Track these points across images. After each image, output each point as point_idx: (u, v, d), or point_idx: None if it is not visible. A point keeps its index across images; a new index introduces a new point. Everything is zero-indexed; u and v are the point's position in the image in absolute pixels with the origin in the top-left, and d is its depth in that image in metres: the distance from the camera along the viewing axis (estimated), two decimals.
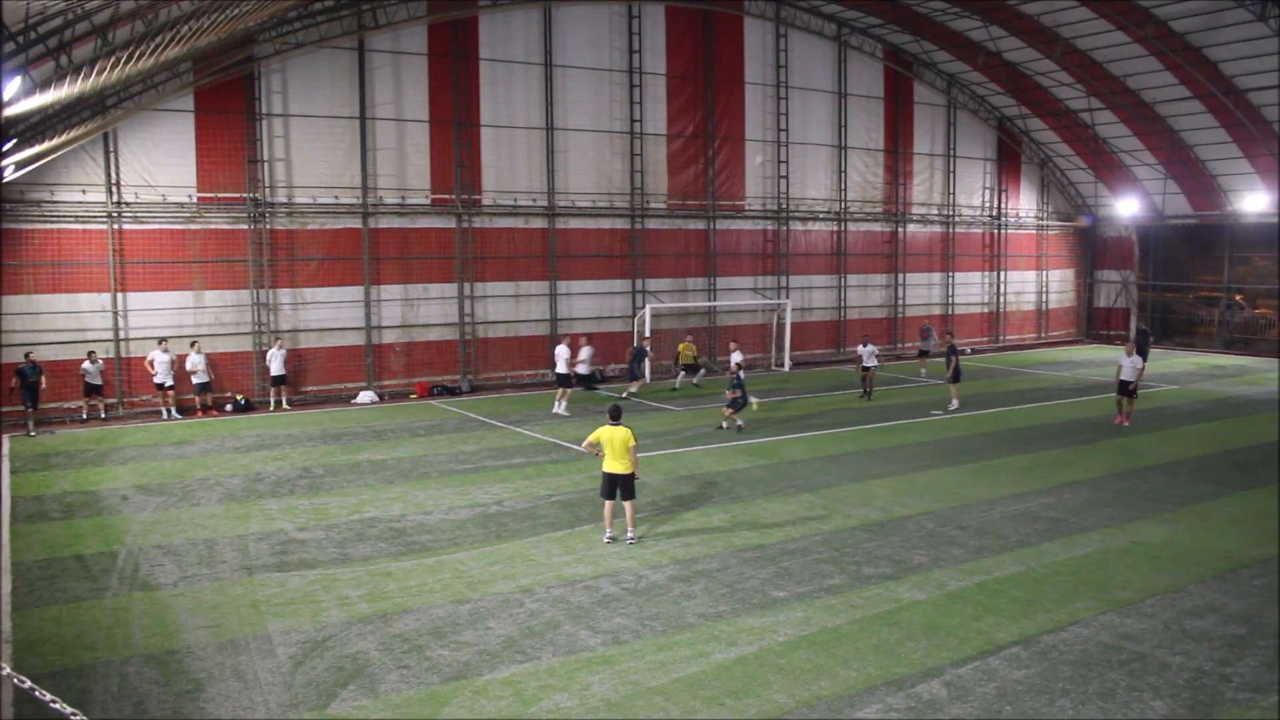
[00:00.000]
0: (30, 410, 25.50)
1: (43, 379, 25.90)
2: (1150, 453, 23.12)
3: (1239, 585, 14.05)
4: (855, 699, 10.55)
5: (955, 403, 29.65)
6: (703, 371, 34.76)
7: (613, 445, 15.93)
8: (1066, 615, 12.89)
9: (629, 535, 16.07)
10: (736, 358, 27.66)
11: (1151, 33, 35.89)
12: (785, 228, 40.20)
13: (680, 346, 34.87)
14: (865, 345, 31.69)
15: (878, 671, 11.20)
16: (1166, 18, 35.20)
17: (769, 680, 11.00)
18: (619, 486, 16.07)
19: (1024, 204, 48.75)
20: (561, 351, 29.15)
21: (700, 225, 38.05)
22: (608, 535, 16.07)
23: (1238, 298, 46.21)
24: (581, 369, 29.80)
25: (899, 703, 10.46)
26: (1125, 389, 26.85)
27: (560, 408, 28.16)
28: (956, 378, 29.75)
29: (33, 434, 25.28)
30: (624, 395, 31.21)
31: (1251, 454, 23.04)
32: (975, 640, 12.07)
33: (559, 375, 29.07)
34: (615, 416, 16.23)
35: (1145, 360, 34.08)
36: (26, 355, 25.84)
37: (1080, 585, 14.03)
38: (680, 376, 34.21)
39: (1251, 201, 42.47)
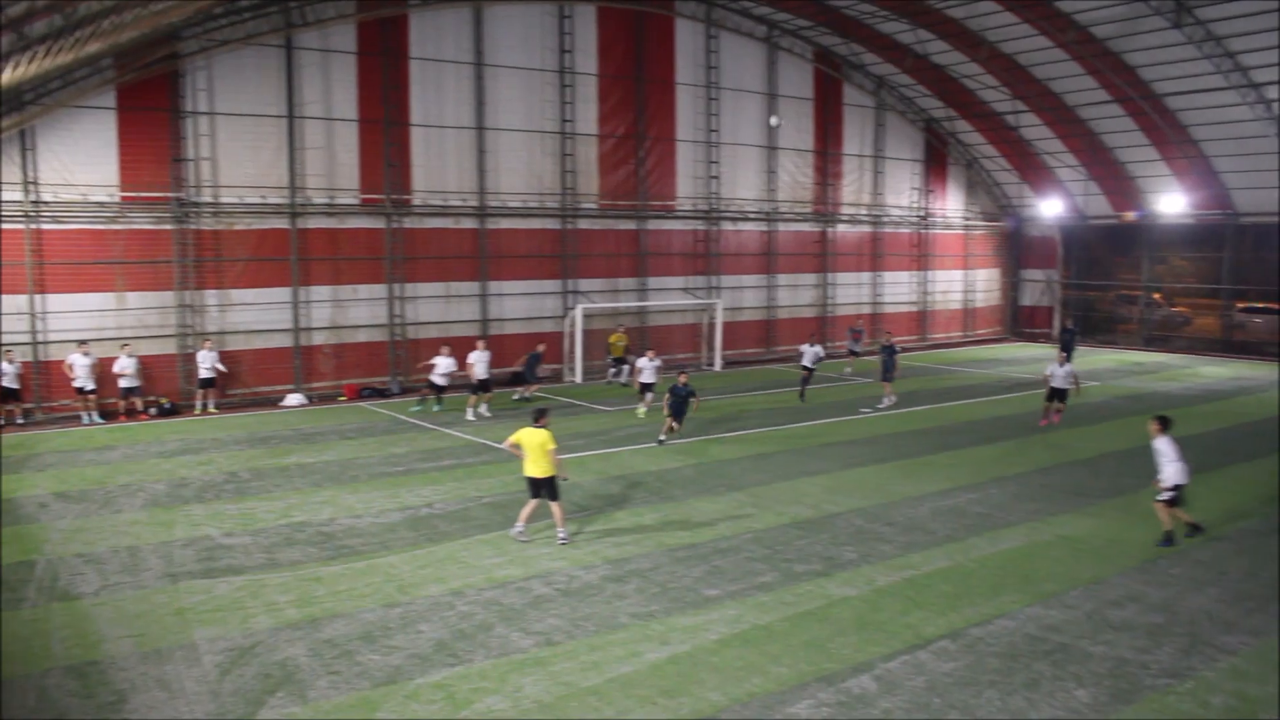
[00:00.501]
0: None
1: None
2: (1074, 448, 23.61)
3: (1158, 575, 14.42)
4: (787, 695, 10.64)
5: (889, 399, 30.00)
6: (627, 369, 34.72)
7: (530, 448, 15.88)
8: (993, 608, 13.12)
9: (560, 535, 16.00)
10: (643, 362, 28.17)
11: (1073, 38, 36.67)
12: (716, 228, 40.39)
13: (612, 338, 34.94)
14: (812, 345, 31.63)
15: (809, 667, 11.31)
16: (1087, 23, 35.98)
17: (702, 678, 11.05)
18: (541, 489, 16.03)
19: (950, 204, 49.51)
20: (443, 363, 28.53)
21: (631, 225, 38.09)
22: (516, 529, 16.18)
23: (1156, 296, 47.39)
24: (438, 379, 28.60)
25: (830, 698, 10.57)
26: (1057, 395, 26.50)
27: (471, 414, 27.86)
28: (889, 375, 30.16)
29: None
30: (514, 398, 30.96)
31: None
32: (904, 634, 12.24)
33: (480, 381, 28.39)
34: (536, 418, 16.10)
35: (1071, 358, 34.89)
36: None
37: (1006, 579, 14.29)
38: (611, 371, 34.39)
39: (1168, 202, 43.60)
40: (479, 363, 27.98)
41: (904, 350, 44.77)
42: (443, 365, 28.48)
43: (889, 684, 10.90)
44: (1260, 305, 43.82)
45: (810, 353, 31.20)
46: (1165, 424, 16.15)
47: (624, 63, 37.18)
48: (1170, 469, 15.74)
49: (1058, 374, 26.53)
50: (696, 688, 10.83)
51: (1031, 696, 10.60)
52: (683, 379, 24.31)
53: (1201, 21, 33.81)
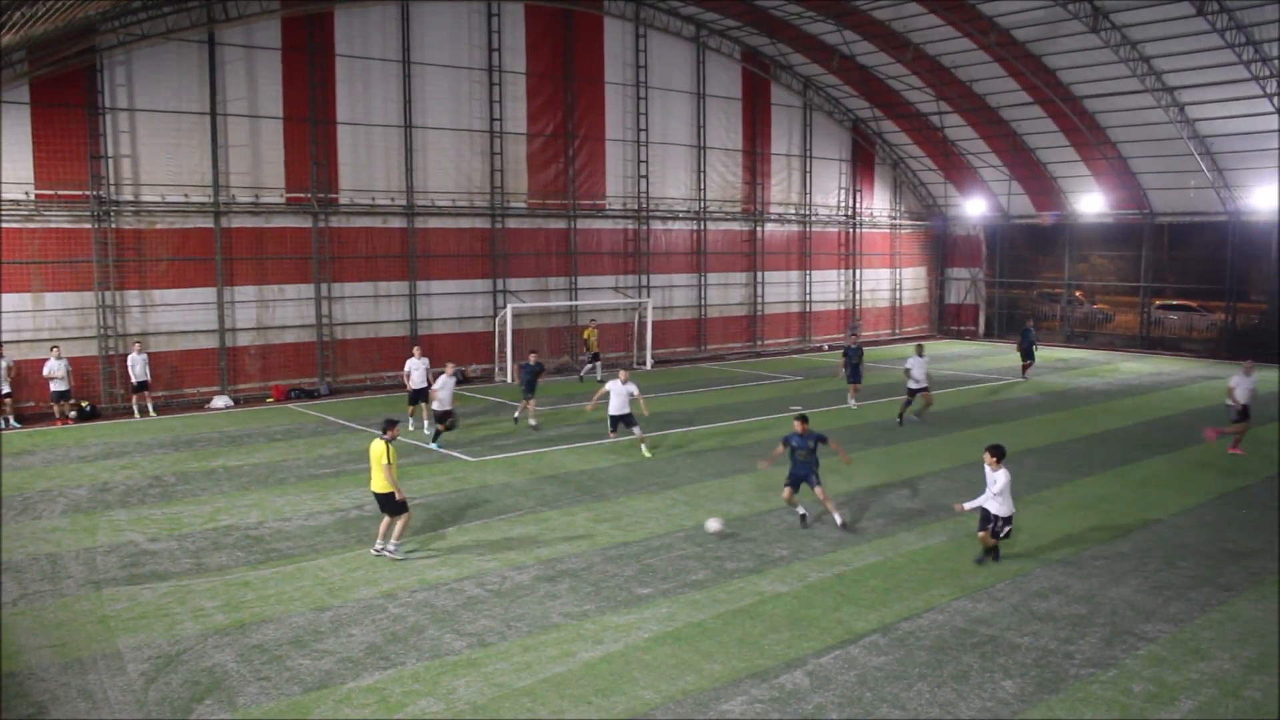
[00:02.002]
0: None
1: None
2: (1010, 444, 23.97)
3: (1080, 568, 14.74)
4: (720, 692, 10.70)
5: (854, 401, 29.72)
6: (599, 365, 34.83)
7: (370, 461, 15.34)
8: (922, 602, 13.32)
9: (383, 547, 15.26)
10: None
11: (995, 40, 37.36)
12: (646, 227, 40.48)
13: (585, 333, 34.99)
14: (920, 355, 27.48)
15: (742, 664, 11.38)
16: (1009, 26, 36.69)
17: (635, 677, 11.07)
18: (382, 505, 15.24)
19: (878, 204, 50.14)
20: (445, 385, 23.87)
21: (561, 224, 38.02)
22: (375, 546, 15.36)
23: (1078, 294, 48.45)
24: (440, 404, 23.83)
25: (763, 694, 10.65)
26: (912, 395, 26.85)
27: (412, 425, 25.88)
28: (857, 377, 29.84)
29: None
30: (515, 417, 27.08)
31: (1092, 443, 24.18)
32: (836, 630, 12.37)
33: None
34: (385, 428, 15.34)
35: (1032, 359, 35.79)
36: None
37: (935, 573, 14.52)
38: (586, 368, 34.49)
39: (1088, 202, 44.72)
40: (416, 370, 25.54)
41: (831, 348, 45.33)
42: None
43: (821, 679, 11.01)
44: (1176, 303, 45.08)
45: (920, 368, 27.01)
46: (1002, 455, 14.70)
47: (553, 61, 37.10)
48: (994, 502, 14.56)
49: (914, 367, 26.81)
50: (630, 686, 10.84)
51: (960, 688, 10.78)
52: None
53: (1118, 26, 34.64)
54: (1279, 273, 40.14)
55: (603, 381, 31.00)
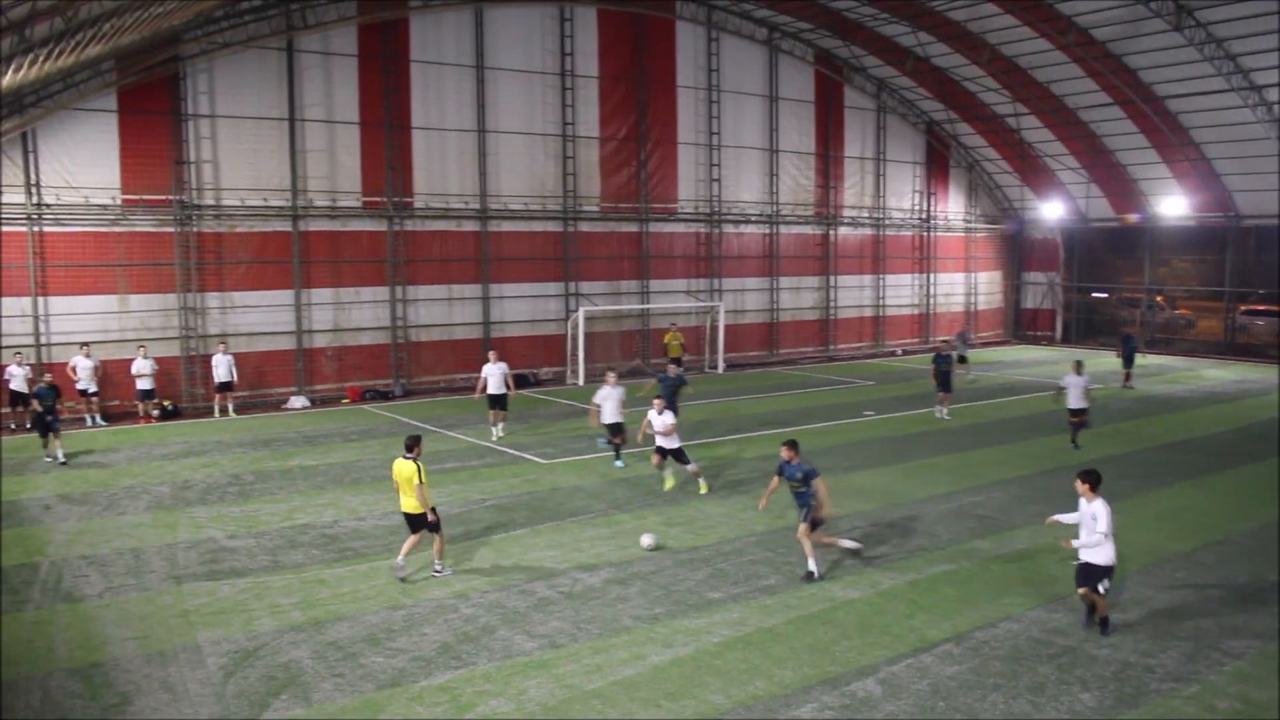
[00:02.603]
0: (53, 438, 22.52)
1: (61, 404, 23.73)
2: (1076, 451, 23.56)
3: (1162, 579, 14.39)
4: (791, 698, 10.63)
5: (943, 410, 28.39)
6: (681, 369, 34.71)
7: (399, 481, 14.42)
8: (997, 611, 13.10)
9: (435, 567, 14.63)
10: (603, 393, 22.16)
11: (1074, 40, 36.66)
12: (718, 230, 40.40)
13: (666, 338, 34.99)
14: (1079, 374, 24.19)
15: (812, 670, 11.29)
16: (1088, 25, 35.98)
17: (705, 681, 11.03)
18: (416, 525, 14.45)
19: (952, 207, 49.50)
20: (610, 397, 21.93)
21: (633, 228, 38.10)
22: (398, 560, 14.47)
23: (1159, 299, 47.37)
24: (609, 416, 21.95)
25: (834, 701, 10.55)
26: (1075, 416, 23.81)
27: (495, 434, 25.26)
28: (948, 385, 28.23)
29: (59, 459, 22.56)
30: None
31: (1173, 451, 23.60)
32: (908, 638, 12.22)
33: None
34: (409, 447, 14.41)
35: (1131, 365, 34.66)
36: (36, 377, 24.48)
37: (1010, 581, 14.27)
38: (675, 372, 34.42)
39: (1170, 205, 43.60)
40: (493, 375, 24.80)
41: (905, 353, 44.91)
42: (609, 402, 21.79)
43: (893, 687, 10.88)
44: (1262, 308, 43.82)
45: (1078, 387, 23.93)
46: (1096, 481, 12.49)
47: (625, 65, 37.21)
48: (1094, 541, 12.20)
49: (1071, 388, 23.78)
50: (700, 690, 10.81)
51: (1036, 700, 10.58)
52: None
53: (1202, 24, 33.80)
54: None
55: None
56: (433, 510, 14.32)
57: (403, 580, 14.27)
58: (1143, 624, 12.69)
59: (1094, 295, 49.17)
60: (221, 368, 28.42)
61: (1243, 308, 44.23)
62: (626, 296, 38.12)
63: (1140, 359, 38.82)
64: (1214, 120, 38.62)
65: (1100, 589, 12.17)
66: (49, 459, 22.36)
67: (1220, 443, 24.75)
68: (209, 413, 28.86)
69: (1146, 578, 14.45)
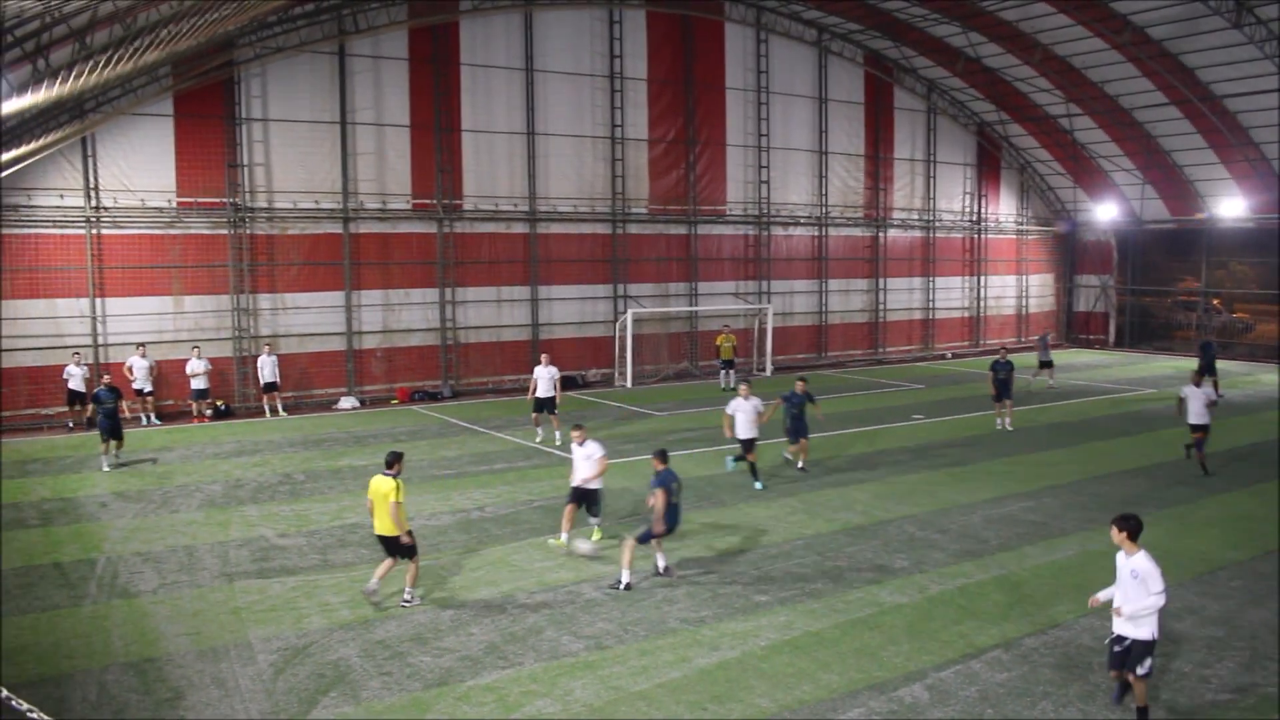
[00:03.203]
0: (115, 444, 22.18)
1: (123, 403, 23.63)
2: (1129, 456, 23.24)
3: (1216, 587, 14.14)
4: (837, 702, 10.57)
5: (1005, 422, 26.86)
6: (734, 371, 34.79)
7: (375, 500, 13.39)
8: (1047, 618, 12.94)
9: (405, 595, 13.49)
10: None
11: (1129, 39, 36.13)
12: (766, 232, 40.28)
13: (718, 339, 35.02)
14: (1202, 386, 21.95)
15: (859, 675, 11.22)
16: (1144, 24, 35.43)
17: (751, 684, 11.01)
18: (391, 550, 13.44)
19: (1004, 209, 48.97)
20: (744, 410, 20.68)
21: (682, 230, 38.08)
22: (370, 585, 13.43)
23: (1215, 302, 46.55)
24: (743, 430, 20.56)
25: (881, 706, 10.48)
26: (1196, 432, 21.37)
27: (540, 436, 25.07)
28: (1006, 393, 26.73)
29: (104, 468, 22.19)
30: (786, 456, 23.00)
31: (1227, 458, 23.16)
32: (957, 644, 12.11)
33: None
34: (389, 463, 13.52)
35: (1213, 375, 32.29)
36: (98, 380, 23.83)
37: (1060, 588, 14.09)
38: (724, 374, 34.59)
39: (1228, 206, 42.80)
40: (543, 379, 24.46)
41: (955, 356, 44.45)
42: (743, 415, 20.42)
43: (941, 693, 10.79)
44: None
45: (1199, 399, 21.43)
46: (1136, 530, 10.07)
47: (673, 67, 37.21)
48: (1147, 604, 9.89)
49: (1192, 402, 21.45)
50: (746, 694, 10.79)
51: (1087, 709, 10.44)
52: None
53: (1263, 20, 33.16)
54: None
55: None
56: (408, 533, 13.31)
57: (376, 605, 13.30)
58: (1197, 633, 12.48)
59: (1148, 298, 48.39)
60: (266, 369, 28.84)
61: None
62: (675, 299, 38.10)
63: (1193, 363, 38.15)
64: (1274, 120, 37.84)
65: (1140, 670, 9.84)
66: (108, 465, 22.02)
67: (1275, 450, 24.25)
68: (261, 413, 29.24)
69: (1199, 585, 14.21)
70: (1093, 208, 48.24)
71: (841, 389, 34.65)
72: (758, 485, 20.20)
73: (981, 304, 48.56)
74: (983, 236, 48.09)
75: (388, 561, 13.49)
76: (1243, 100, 37.72)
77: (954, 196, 46.76)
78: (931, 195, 45.67)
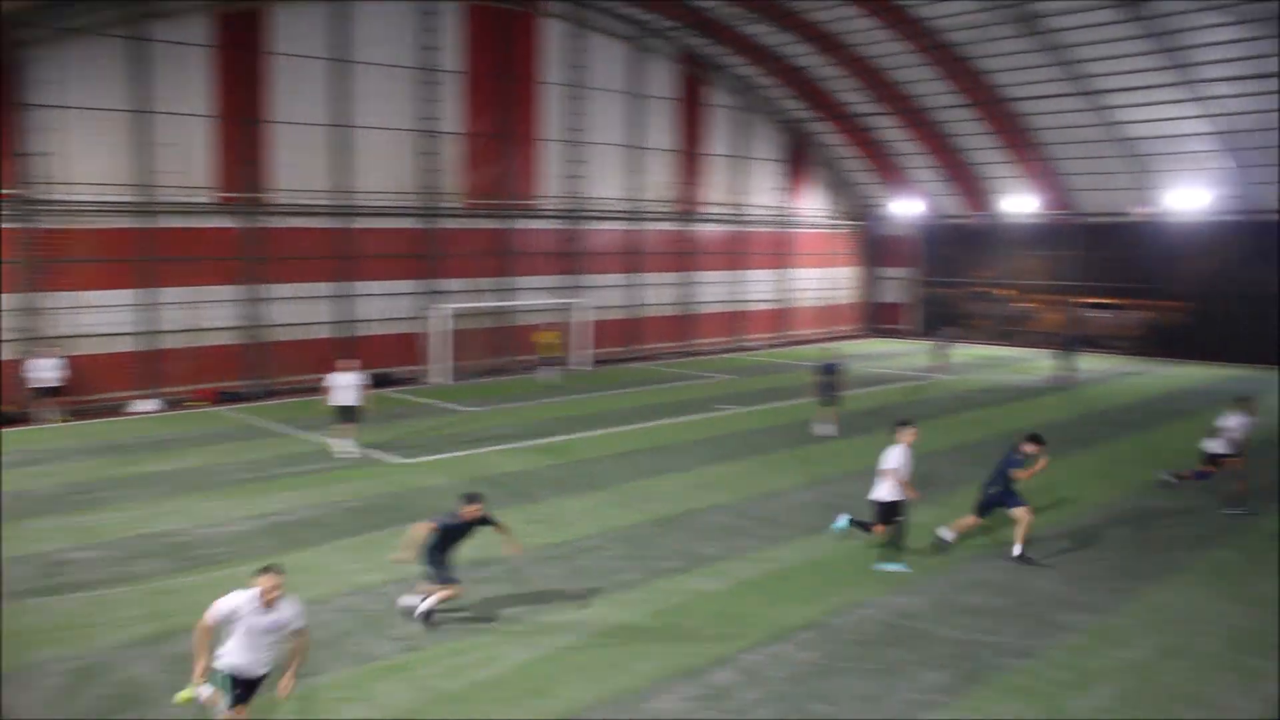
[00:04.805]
0: None
1: None
2: (933, 439, 24.23)
3: (1002, 560, 14.98)
4: (650, 690, 10.73)
5: (825, 426, 25.45)
6: (556, 368, 34.63)
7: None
8: (850, 598, 13.46)
9: None
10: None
11: (929, 43, 37.90)
12: (581, 227, 40.40)
13: (541, 335, 34.84)
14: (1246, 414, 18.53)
15: (672, 663, 11.41)
16: (941, 29, 37.19)
17: (566, 678, 11.05)
18: None
19: (812, 204, 50.52)
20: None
21: (496, 225, 37.80)
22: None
23: (1007, 292, 49.10)
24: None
25: (693, 691, 10.69)
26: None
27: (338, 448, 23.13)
28: (831, 396, 25.51)
29: None
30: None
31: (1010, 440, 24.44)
32: (766, 627, 12.45)
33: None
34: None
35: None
36: None
37: (864, 569, 14.65)
38: (543, 370, 34.55)
39: (1019, 203, 45.58)
40: (343, 384, 22.94)
41: (759, 347, 45.59)
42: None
43: (751, 675, 11.07)
44: (1101, 301, 45.89)
45: (1243, 428, 18.40)
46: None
47: (490, 61, 36.87)
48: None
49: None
50: (561, 688, 10.82)
51: (888, 681, 10.92)
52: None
53: (1050, 31, 35.32)
54: (1204, 272, 41.25)
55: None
56: None
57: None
58: (985, 604, 13.20)
59: (946, 289, 50.75)
60: (43, 372, 26.98)
61: (1083, 300, 46.15)
62: (490, 294, 37.76)
63: (989, 351, 40.16)
64: (1059, 122, 40.41)
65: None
66: None
67: (1061, 429, 25.76)
68: (50, 420, 27.50)
69: (988, 559, 15.04)
70: (896, 203, 50.34)
71: (652, 381, 35.04)
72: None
73: (790, 296, 49.95)
74: (791, 231, 49.48)
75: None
76: (1032, 104, 40.11)
77: (764, 191, 47.94)
78: (742, 190, 46.69)
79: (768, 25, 39.59)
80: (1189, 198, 40.04)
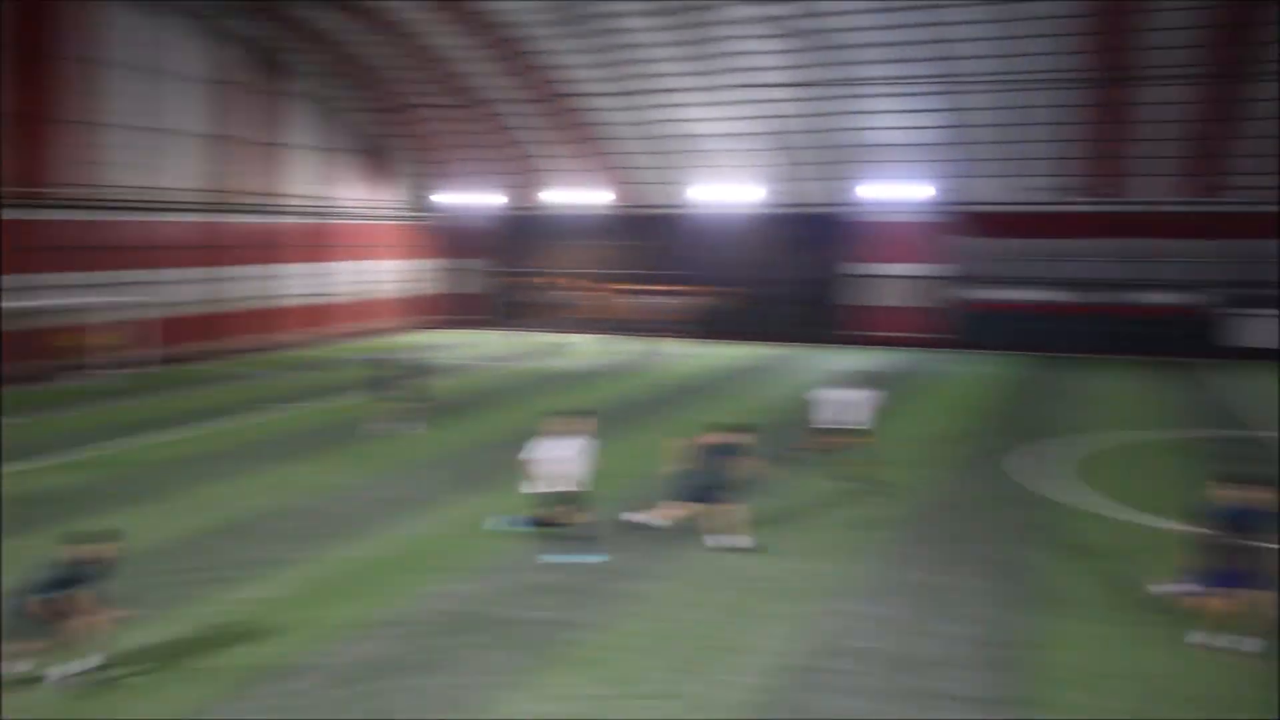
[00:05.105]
0: None
1: None
2: (482, 431, 24.41)
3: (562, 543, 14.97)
4: (225, 704, 9.86)
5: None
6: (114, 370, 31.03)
7: None
8: (415, 589, 13.21)
9: None
10: None
11: (495, 36, 38.66)
12: (118, 218, 36.43)
13: (91, 338, 30.98)
14: None
15: (248, 675, 10.57)
16: (508, 23, 37.97)
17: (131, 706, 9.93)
18: None
19: (376, 195, 49.88)
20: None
21: (31, 216, 33.10)
22: None
23: (563, 280, 50.84)
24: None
25: (276, 702, 9.94)
26: None
27: None
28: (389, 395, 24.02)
29: None
30: None
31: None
32: (350, 627, 11.93)
33: None
34: None
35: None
36: None
37: (422, 562, 14.48)
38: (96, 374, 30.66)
39: (588, 196, 48.10)
40: None
41: (325, 341, 44.11)
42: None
43: (329, 674, 10.58)
44: (652, 287, 48.76)
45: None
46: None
47: (38, 37, 32.93)
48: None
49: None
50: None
51: (460, 673, 10.76)
52: None
53: (617, 30, 37.09)
54: (757, 260, 45.62)
55: None
56: None
57: None
58: (562, 584, 13.46)
59: (516, 279, 51.73)
60: None
61: (633, 286, 48.82)
62: (15, 292, 32.45)
63: (544, 338, 41.77)
64: (625, 119, 42.93)
65: None
66: None
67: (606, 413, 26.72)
68: None
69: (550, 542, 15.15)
70: (463, 195, 50.83)
71: (223, 380, 32.78)
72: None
73: (372, 290, 49.24)
74: (355, 222, 48.56)
75: None
76: (598, 100, 42.14)
77: (338, 183, 46.80)
78: (302, 181, 45.03)
79: (330, 12, 38.44)
80: (746, 192, 44.34)
